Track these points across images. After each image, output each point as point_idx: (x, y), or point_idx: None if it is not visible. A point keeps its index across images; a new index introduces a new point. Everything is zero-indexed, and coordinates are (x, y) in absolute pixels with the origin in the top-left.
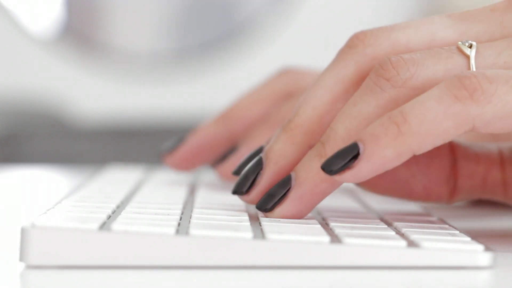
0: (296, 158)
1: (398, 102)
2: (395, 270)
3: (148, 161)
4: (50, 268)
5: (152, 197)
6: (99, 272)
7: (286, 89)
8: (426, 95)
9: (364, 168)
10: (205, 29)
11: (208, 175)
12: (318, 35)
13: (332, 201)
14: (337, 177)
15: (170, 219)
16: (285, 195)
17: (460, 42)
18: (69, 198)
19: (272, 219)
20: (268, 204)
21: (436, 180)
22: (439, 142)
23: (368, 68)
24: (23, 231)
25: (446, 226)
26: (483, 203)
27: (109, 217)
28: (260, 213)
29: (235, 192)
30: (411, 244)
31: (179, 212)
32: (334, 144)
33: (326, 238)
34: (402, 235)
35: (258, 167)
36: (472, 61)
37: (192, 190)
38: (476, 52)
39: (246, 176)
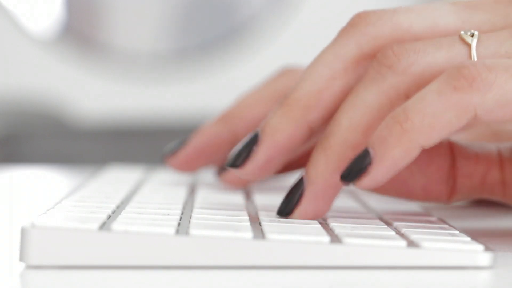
0: (293, 133)
1: (399, 90)
2: (395, 270)
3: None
4: (50, 268)
5: (152, 197)
6: (99, 272)
7: (288, 88)
8: (426, 90)
9: (378, 172)
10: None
11: (208, 175)
12: (318, 35)
13: None
14: (356, 185)
15: (170, 219)
16: (301, 196)
17: (462, 32)
18: (69, 198)
19: (272, 219)
20: (287, 208)
21: (435, 179)
22: (445, 134)
23: (368, 47)
24: (23, 231)
25: (446, 226)
26: (483, 203)
27: (109, 217)
28: (260, 213)
29: (230, 165)
30: (411, 244)
31: (179, 212)
32: (339, 136)
33: (326, 238)
34: (402, 235)
35: (254, 141)
36: (474, 51)
37: (192, 190)
38: (478, 41)
39: (241, 150)
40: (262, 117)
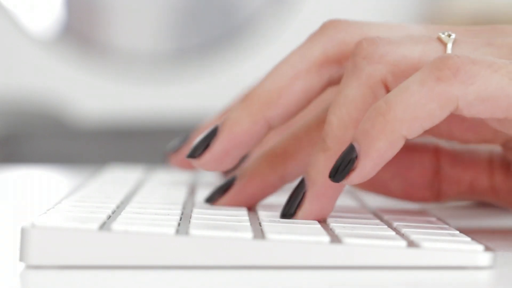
0: (250, 127)
1: (377, 78)
2: (395, 270)
3: (148, 161)
4: (50, 268)
5: (152, 197)
6: (99, 272)
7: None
8: (409, 80)
9: (365, 166)
10: (205, 29)
11: (208, 175)
12: None
13: None
14: (345, 182)
15: (170, 219)
16: (303, 197)
17: (440, 33)
18: (69, 198)
19: (272, 219)
20: (290, 209)
21: (416, 184)
22: (427, 124)
23: (334, 51)
24: (23, 231)
25: (446, 226)
26: (483, 203)
27: (109, 217)
28: (260, 213)
29: (189, 156)
30: (411, 244)
31: (179, 212)
32: (333, 136)
33: (326, 238)
34: (402, 235)
35: (214, 133)
36: (449, 50)
37: (192, 190)
38: (454, 42)
39: (201, 141)
40: None
